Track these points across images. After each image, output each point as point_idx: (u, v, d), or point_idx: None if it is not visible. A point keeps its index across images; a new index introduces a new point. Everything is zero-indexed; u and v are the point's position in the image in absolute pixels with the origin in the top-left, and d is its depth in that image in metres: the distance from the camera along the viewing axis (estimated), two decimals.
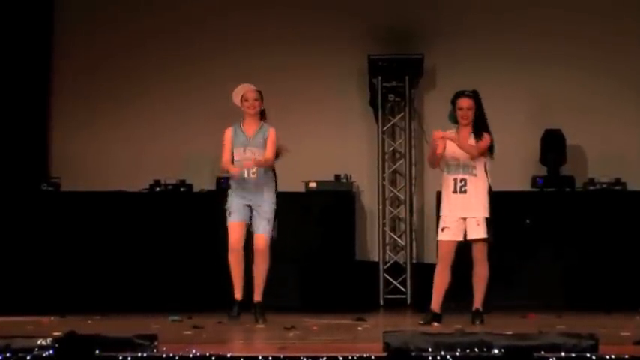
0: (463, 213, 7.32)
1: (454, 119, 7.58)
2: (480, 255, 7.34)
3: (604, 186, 10.48)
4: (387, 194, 11.15)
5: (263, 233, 7.66)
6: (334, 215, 10.45)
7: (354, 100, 11.43)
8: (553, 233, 10.25)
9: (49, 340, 4.49)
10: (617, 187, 10.45)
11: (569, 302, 9.83)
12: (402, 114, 11.23)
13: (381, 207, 11.10)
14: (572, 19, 11.27)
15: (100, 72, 11.61)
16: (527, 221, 10.30)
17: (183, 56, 11.55)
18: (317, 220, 10.40)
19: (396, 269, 10.97)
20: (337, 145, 11.32)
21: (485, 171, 7.47)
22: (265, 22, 11.51)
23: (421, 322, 7.41)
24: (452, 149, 7.40)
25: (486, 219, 7.35)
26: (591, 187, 10.52)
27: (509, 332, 4.57)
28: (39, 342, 4.48)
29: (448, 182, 7.39)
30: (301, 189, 10.52)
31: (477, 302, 7.42)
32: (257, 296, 7.71)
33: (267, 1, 11.57)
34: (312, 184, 10.57)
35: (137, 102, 11.55)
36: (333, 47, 11.38)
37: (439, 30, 11.35)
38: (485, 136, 7.43)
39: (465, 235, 7.39)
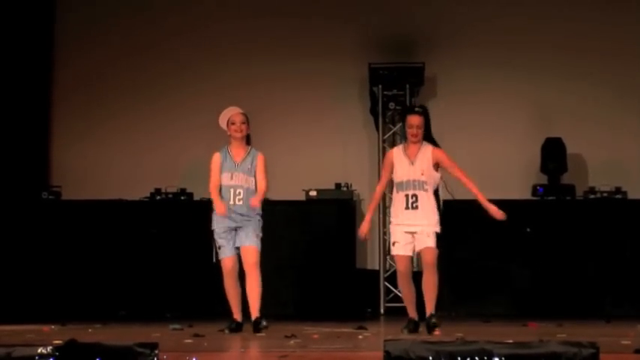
0: (413, 228, 7.29)
1: (404, 136, 7.58)
2: (430, 260, 7.27)
3: (604, 194, 10.48)
4: (387, 202, 11.13)
5: (252, 244, 7.60)
6: (335, 223, 10.45)
7: (354, 108, 11.45)
8: (553, 242, 10.25)
9: (49, 348, 4.49)
10: (617, 196, 10.45)
11: (569, 311, 9.82)
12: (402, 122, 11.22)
13: (381, 215, 11.09)
14: (572, 28, 11.29)
15: (100, 81, 11.63)
16: (528, 229, 10.31)
17: (182, 65, 11.57)
18: (317, 228, 10.39)
19: (396, 277, 10.92)
20: (338, 153, 11.33)
21: (442, 186, 7.49)
22: (265, 30, 11.53)
23: (405, 330, 7.39)
24: (403, 168, 7.36)
25: (436, 233, 7.32)
26: (592, 196, 10.52)
27: (510, 341, 4.56)
28: (39, 350, 4.48)
29: (399, 199, 7.34)
30: (302, 197, 10.52)
31: (430, 308, 7.38)
32: (255, 313, 7.64)
33: (267, 10, 11.59)
34: (313, 193, 10.57)
35: (137, 111, 11.57)
36: (334, 56, 11.40)
37: (440, 39, 11.38)
38: (441, 155, 7.42)
39: (415, 248, 7.37)
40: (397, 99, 11.13)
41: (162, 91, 11.55)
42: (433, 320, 7.31)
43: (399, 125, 11.23)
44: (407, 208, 7.29)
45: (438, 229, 7.31)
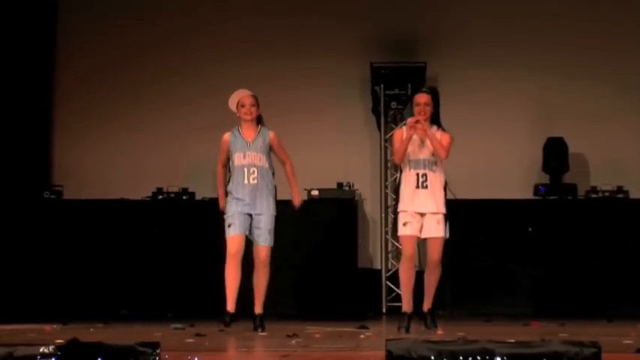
0: (423, 208, 7.29)
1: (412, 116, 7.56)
2: (437, 255, 7.29)
3: (606, 194, 10.49)
4: (389, 202, 11.15)
5: (265, 244, 7.62)
6: (336, 223, 10.45)
7: (356, 107, 11.45)
8: (555, 241, 10.25)
9: (51, 348, 4.49)
10: (619, 195, 10.46)
11: (571, 310, 9.83)
12: (404, 122, 11.21)
13: (383, 215, 11.10)
14: (574, 27, 11.29)
15: (102, 80, 11.64)
16: (530, 229, 10.31)
17: (184, 65, 11.58)
18: (319, 227, 10.39)
19: (398, 277, 10.92)
20: (339, 152, 11.34)
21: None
22: (267, 29, 11.54)
23: (403, 329, 7.33)
24: (414, 147, 7.37)
25: (445, 215, 7.33)
26: (593, 195, 10.52)
27: (512, 340, 4.56)
28: (41, 350, 4.48)
29: (410, 178, 7.34)
30: (303, 196, 10.48)
31: (429, 304, 7.39)
32: (258, 308, 7.65)
33: (269, 9, 11.59)
34: (315, 192, 10.58)
35: (139, 110, 11.57)
36: (336, 55, 11.40)
37: (441, 38, 11.38)
38: (444, 135, 7.40)
39: (422, 231, 7.34)
40: (399, 98, 11.12)
41: (164, 90, 11.55)
42: (434, 319, 7.34)
43: (400, 124, 11.23)
44: (417, 187, 7.31)
45: (445, 210, 7.33)
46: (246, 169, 7.62)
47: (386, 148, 11.19)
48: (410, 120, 7.40)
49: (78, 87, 11.69)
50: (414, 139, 7.40)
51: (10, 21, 11.09)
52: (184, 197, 10.70)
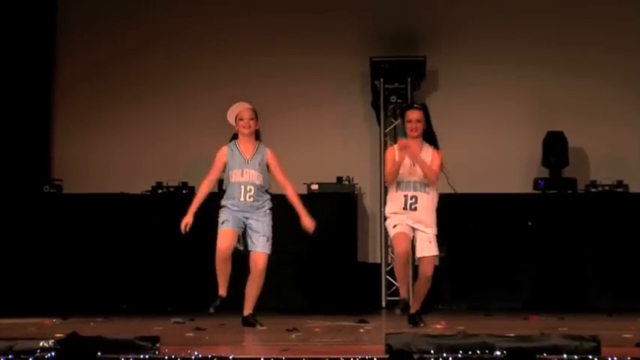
0: (414, 225, 7.17)
1: (404, 133, 7.43)
2: (428, 271, 7.15)
3: (606, 188, 10.49)
4: None
5: (263, 251, 7.54)
6: (336, 217, 10.45)
7: (356, 102, 11.45)
8: (555, 235, 10.25)
9: (51, 342, 4.50)
10: (619, 189, 10.46)
11: (571, 304, 9.83)
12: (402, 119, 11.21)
13: (382, 209, 11.07)
14: (573, 23, 11.29)
15: (102, 75, 11.64)
16: (529, 223, 10.32)
17: (184, 60, 11.57)
18: (319, 221, 10.24)
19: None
20: (339, 147, 11.33)
21: (444, 179, 7.34)
22: (266, 25, 11.53)
23: (399, 311, 7.30)
24: (405, 167, 7.13)
25: (436, 235, 7.21)
26: (593, 189, 10.53)
27: (512, 334, 4.57)
28: (41, 344, 4.49)
29: (398, 198, 7.16)
30: (303, 191, 10.50)
31: (417, 306, 7.34)
32: (248, 310, 7.53)
33: (267, 5, 11.58)
34: (315, 186, 10.57)
35: (139, 104, 11.57)
36: (336, 49, 11.39)
37: (441, 32, 11.37)
38: (435, 155, 7.26)
39: (416, 250, 7.25)
40: (398, 92, 11.12)
41: (163, 86, 11.55)
42: (421, 318, 7.29)
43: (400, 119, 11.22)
44: (405, 208, 7.14)
45: (436, 230, 7.20)
46: (243, 187, 7.47)
47: (386, 142, 11.17)
48: (400, 142, 7.24)
49: (78, 82, 11.69)
50: (405, 161, 7.23)
51: (11, 16, 11.09)
52: (184, 191, 10.70)
